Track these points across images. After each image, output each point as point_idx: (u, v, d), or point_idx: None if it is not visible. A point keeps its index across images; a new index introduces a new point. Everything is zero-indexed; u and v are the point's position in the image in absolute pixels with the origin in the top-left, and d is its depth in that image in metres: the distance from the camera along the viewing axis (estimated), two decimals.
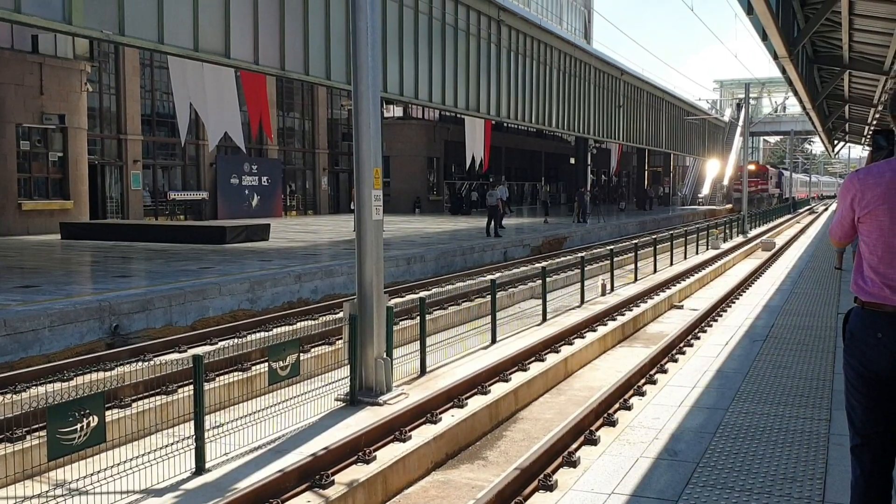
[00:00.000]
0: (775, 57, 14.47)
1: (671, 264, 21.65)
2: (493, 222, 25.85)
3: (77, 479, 5.84)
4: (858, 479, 3.11)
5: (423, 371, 9.33)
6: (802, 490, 4.27)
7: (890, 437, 3.06)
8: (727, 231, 32.03)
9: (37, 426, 6.67)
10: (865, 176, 3.01)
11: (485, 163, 38.25)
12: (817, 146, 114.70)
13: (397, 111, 44.58)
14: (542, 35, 31.94)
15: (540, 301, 13.31)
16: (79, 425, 5.33)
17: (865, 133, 31.94)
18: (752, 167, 57.96)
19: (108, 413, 7.14)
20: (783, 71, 16.37)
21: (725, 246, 28.52)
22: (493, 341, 11.16)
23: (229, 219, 30.60)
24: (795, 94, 21.76)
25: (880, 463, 3.06)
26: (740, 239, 32.85)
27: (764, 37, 13.10)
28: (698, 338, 11.77)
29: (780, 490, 4.27)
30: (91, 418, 5.42)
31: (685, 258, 23.46)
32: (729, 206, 63.87)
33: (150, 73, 31.19)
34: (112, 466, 5.75)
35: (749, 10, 11.71)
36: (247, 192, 34.62)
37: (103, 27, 13.25)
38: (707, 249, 26.70)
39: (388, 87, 21.84)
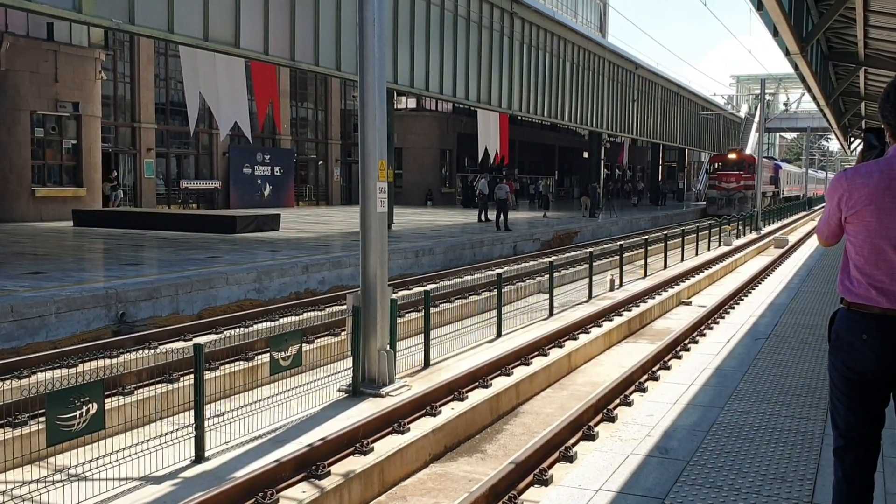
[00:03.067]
0: (787, 53, 14.34)
1: (682, 260, 21.58)
2: (501, 215, 25.81)
3: (78, 465, 5.89)
4: (840, 480, 3.10)
5: (426, 364, 9.35)
6: (791, 490, 4.25)
7: (872, 439, 3.05)
8: (739, 227, 31.86)
9: (39, 412, 6.73)
10: (853, 175, 2.99)
11: (505, 157, 38.15)
12: (834, 143, 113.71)
13: (410, 103, 44.55)
14: (555, 28, 31.81)
15: (547, 295, 13.30)
16: (78, 412, 5.38)
17: None
18: (732, 156, 48.58)
19: (110, 400, 7.24)
20: (795, 67, 16.24)
21: (738, 242, 28.38)
22: (499, 335, 11.17)
23: (241, 208, 30.74)
24: (809, 90, 21.60)
25: (862, 465, 3.05)
26: (753, 236, 32.68)
27: (775, 33, 12.98)
28: (704, 334, 11.73)
29: (769, 490, 4.25)
30: (90, 405, 5.47)
31: (696, 254, 23.38)
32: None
33: (165, 61, 31.31)
34: (113, 453, 5.80)
35: (759, 6, 11.61)
36: (259, 181, 34.73)
37: (113, 16, 13.30)
38: (719, 246, 26.59)
39: (398, 79, 21.84)
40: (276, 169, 35.57)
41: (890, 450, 3.28)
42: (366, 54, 8.44)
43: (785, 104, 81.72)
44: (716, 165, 49.32)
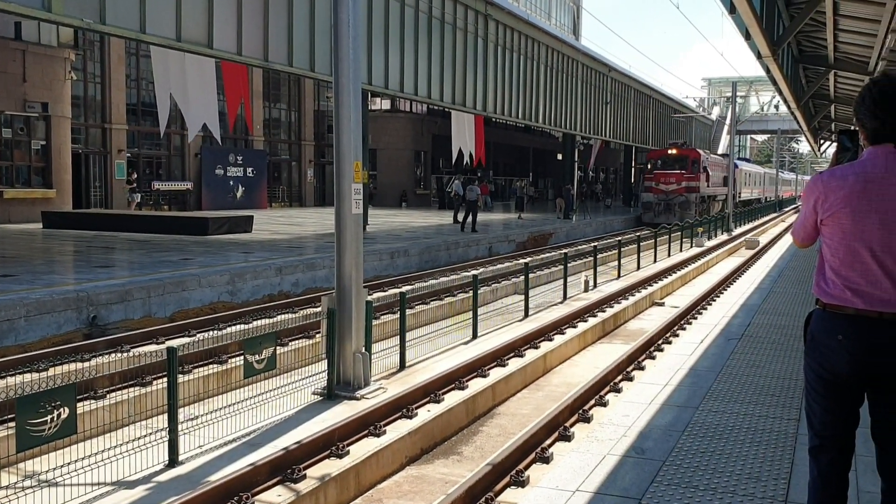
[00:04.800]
0: (759, 56, 14.50)
1: (655, 261, 21.74)
2: (469, 216, 25.72)
3: (49, 471, 5.81)
4: (815, 479, 3.12)
5: (402, 366, 9.33)
6: (766, 489, 4.29)
7: (847, 439, 3.08)
8: (711, 229, 32.14)
9: (9, 417, 6.61)
10: (829, 178, 3.02)
11: (483, 159, 38.17)
12: (805, 145, 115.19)
13: (385, 104, 44.49)
14: (529, 30, 31.93)
15: (523, 297, 13.33)
16: (49, 417, 5.30)
17: None
18: (672, 151, 39.84)
19: (82, 404, 7.13)
20: (767, 70, 16.43)
21: (710, 243, 28.65)
22: (475, 337, 11.17)
23: (213, 210, 30.50)
24: (780, 93, 21.85)
25: (837, 464, 3.08)
26: (725, 237, 33.00)
27: (747, 36, 13.13)
28: (677, 335, 11.82)
29: (744, 489, 4.29)
30: (62, 410, 5.40)
31: (669, 255, 23.55)
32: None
33: (136, 61, 30.98)
34: (84, 458, 5.72)
35: (732, 10, 11.73)
36: (231, 183, 34.47)
37: (84, 15, 13.13)
38: (691, 247, 26.81)
39: (373, 80, 21.80)
40: (249, 170, 35.33)
41: (863, 448, 3.31)
42: (340, 55, 8.41)
43: (775, 106, 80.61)
44: (653, 163, 40.50)
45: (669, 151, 40.02)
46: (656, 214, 37.80)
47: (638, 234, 24.99)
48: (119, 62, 29.73)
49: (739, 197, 51.28)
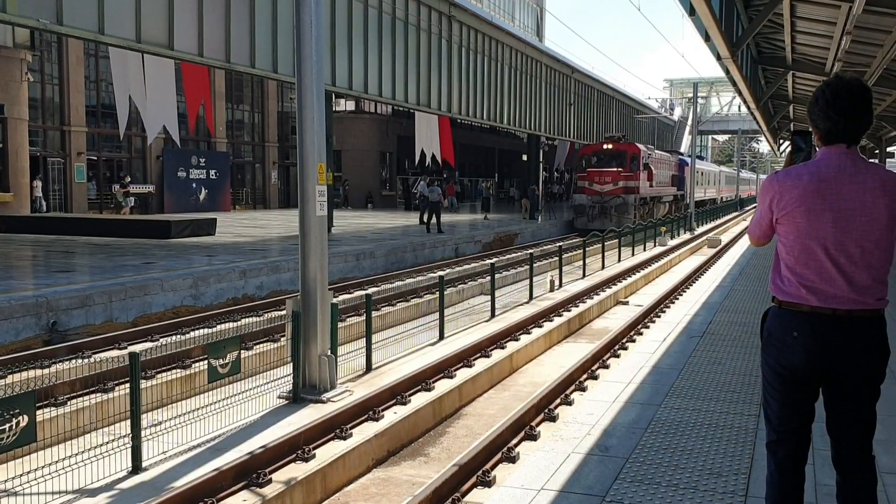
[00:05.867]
0: (718, 58, 14.69)
1: (619, 261, 21.94)
2: (433, 217, 25.74)
3: (7, 480, 5.70)
4: (773, 473, 3.19)
5: (368, 368, 9.32)
6: (727, 485, 4.36)
7: (804, 433, 3.15)
8: (674, 228, 32.48)
9: None
10: (784, 178, 3.08)
11: (450, 159, 38.19)
12: (764, 145, 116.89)
13: (349, 105, 44.35)
14: (493, 32, 32.05)
15: (489, 297, 13.37)
16: (7, 425, 5.21)
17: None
18: (608, 146, 34.85)
19: (42, 412, 7.02)
20: (727, 71, 16.64)
21: (672, 243, 28.97)
22: (441, 338, 11.19)
23: (176, 213, 30.19)
24: (739, 94, 22.14)
25: (793, 458, 3.14)
26: (687, 236, 33.37)
27: (707, 38, 13.29)
28: (641, 333, 11.95)
29: (705, 485, 4.35)
30: (21, 418, 5.31)
31: (633, 255, 23.77)
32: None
33: (96, 63, 30.51)
34: (45, 466, 5.64)
35: (691, 12, 11.87)
36: (194, 185, 34.13)
37: (40, 16, 12.92)
38: (654, 246, 27.09)
39: (336, 81, 21.74)
40: (212, 172, 35.00)
41: (819, 442, 3.38)
42: (303, 56, 8.37)
43: (743, 106, 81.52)
44: (587, 160, 35.28)
45: (604, 146, 35.12)
46: (590, 219, 33.34)
47: (603, 233, 25.17)
48: (78, 63, 29.25)
49: (693, 196, 48.58)
